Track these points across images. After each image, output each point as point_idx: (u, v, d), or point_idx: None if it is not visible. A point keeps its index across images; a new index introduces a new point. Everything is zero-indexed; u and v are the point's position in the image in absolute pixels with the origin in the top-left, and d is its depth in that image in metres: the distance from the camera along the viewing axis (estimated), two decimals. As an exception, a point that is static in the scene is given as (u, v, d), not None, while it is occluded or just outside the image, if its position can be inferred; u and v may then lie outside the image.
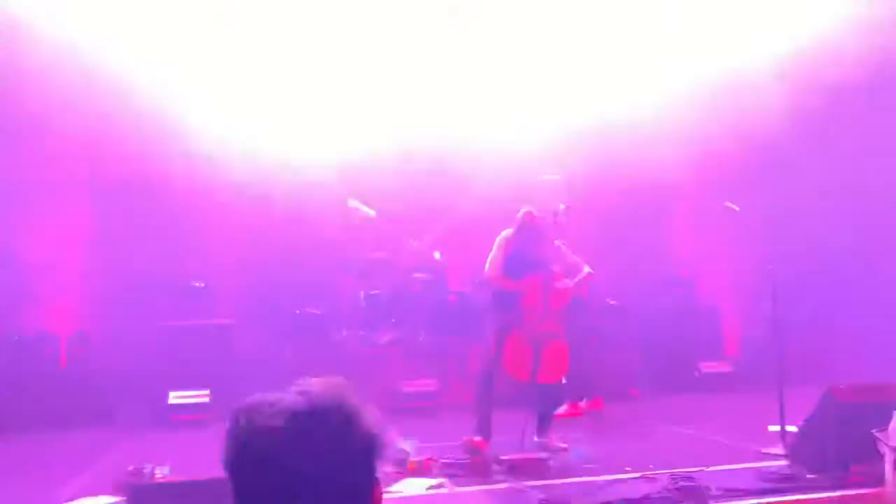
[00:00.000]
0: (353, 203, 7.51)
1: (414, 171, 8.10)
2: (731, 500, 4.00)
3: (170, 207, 8.68)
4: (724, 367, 8.38)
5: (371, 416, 1.25)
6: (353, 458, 1.21)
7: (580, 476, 4.76)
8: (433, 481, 4.69)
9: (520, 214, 5.54)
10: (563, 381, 5.50)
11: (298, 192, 7.94)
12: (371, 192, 8.10)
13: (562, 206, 5.44)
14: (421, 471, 4.87)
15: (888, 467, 1.43)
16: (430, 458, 5.01)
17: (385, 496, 1.31)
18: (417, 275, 8.22)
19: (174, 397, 7.13)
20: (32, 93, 7.68)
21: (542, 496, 4.16)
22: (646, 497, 4.03)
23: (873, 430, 3.81)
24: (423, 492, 4.51)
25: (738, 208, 5.70)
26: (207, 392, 7.19)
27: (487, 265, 5.58)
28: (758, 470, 4.59)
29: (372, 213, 7.45)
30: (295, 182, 7.95)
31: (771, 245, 7.99)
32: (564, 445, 5.51)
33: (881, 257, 8.24)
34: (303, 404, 1.20)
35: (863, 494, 3.93)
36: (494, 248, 5.57)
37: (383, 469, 1.28)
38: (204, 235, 8.83)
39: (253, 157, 7.96)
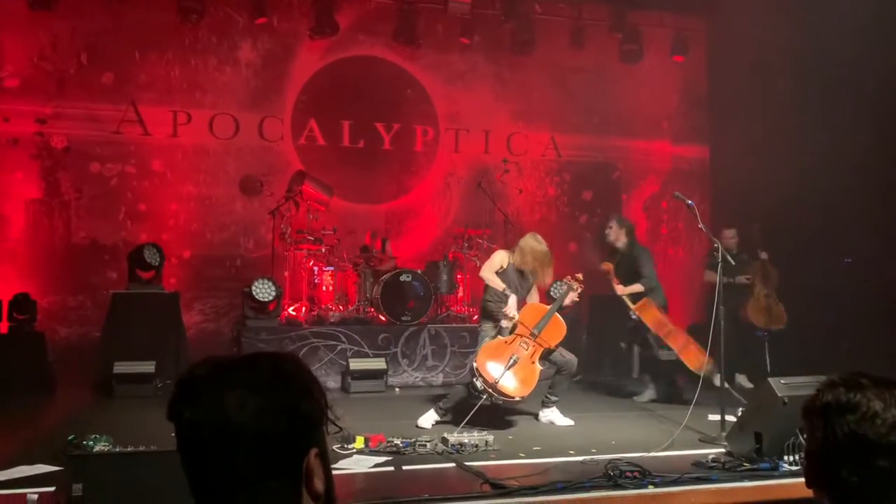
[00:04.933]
0: None
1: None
2: (668, 486, 4.10)
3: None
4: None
5: (312, 384, 1.26)
6: (282, 413, 1.20)
7: (523, 457, 4.84)
8: (380, 459, 4.71)
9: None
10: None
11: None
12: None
13: None
14: (368, 448, 4.90)
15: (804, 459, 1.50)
16: (378, 437, 5.04)
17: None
18: None
19: (119, 366, 6.99)
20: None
21: (485, 476, 4.20)
22: (587, 480, 4.10)
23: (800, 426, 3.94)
24: (369, 470, 4.53)
25: (690, 201, 5.78)
26: (153, 363, 7.08)
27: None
28: (696, 457, 4.71)
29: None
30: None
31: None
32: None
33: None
34: (232, 358, 1.25)
35: (795, 484, 4.06)
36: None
37: (324, 440, 1.27)
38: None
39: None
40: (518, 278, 5.97)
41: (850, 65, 7.81)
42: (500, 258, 6.03)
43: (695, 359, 6.26)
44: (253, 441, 1.18)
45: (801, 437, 4.22)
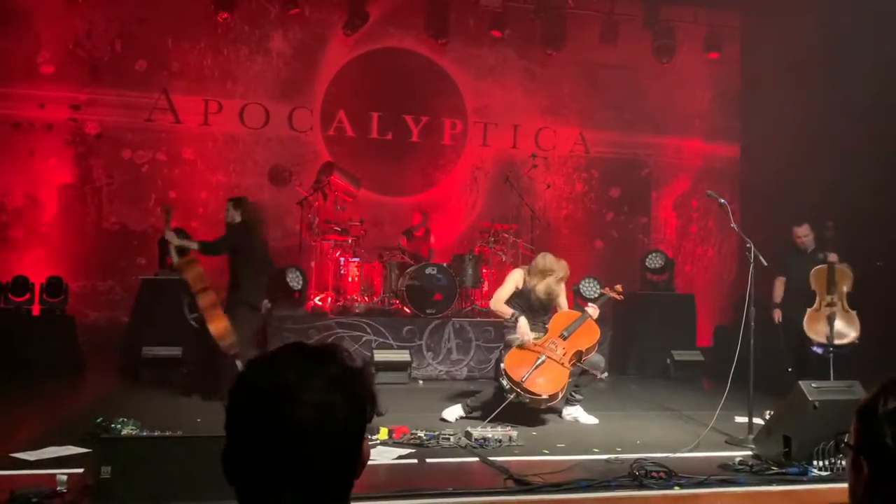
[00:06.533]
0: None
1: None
2: (694, 488, 4.05)
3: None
4: (696, 356, 8.48)
5: (366, 374, 1.26)
6: (364, 406, 1.21)
7: (547, 454, 4.81)
8: (403, 451, 4.71)
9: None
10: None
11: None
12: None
13: None
14: (392, 440, 4.91)
15: (848, 467, 1.45)
16: (402, 429, 5.04)
17: None
18: None
19: (147, 351, 7.07)
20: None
21: (509, 472, 4.19)
22: (612, 479, 4.07)
23: (838, 431, 3.87)
24: (393, 461, 4.53)
25: (723, 200, 5.69)
26: (180, 348, 7.15)
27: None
28: (723, 459, 4.65)
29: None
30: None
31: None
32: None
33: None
34: (294, 353, 1.22)
35: (825, 490, 3.99)
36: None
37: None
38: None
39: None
40: (535, 297, 5.99)
41: (887, 64, 7.65)
42: (515, 278, 6.08)
43: (219, 324, 6.22)
44: (338, 435, 1.17)
45: (840, 443, 4.13)
